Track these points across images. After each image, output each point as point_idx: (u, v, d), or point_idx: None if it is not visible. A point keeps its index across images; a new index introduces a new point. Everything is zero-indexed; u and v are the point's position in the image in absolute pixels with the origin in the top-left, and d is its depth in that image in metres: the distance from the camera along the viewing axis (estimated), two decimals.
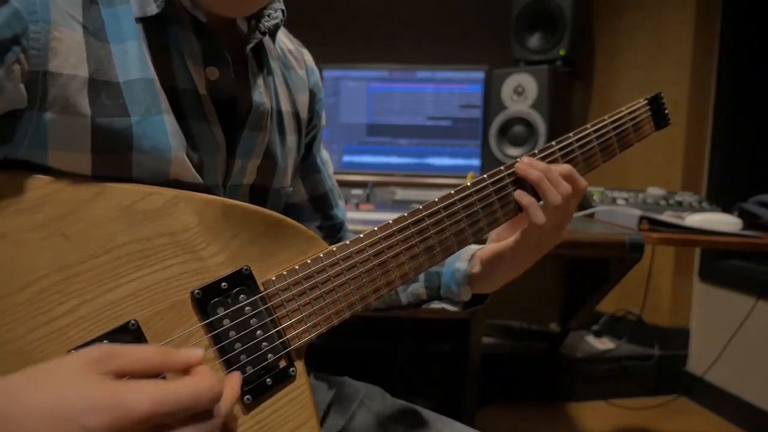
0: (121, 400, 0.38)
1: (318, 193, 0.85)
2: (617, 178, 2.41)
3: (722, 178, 2.29)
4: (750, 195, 1.69)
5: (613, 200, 1.72)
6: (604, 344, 2.45)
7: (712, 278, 2.33)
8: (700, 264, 2.38)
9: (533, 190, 0.70)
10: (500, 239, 0.77)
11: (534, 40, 2.26)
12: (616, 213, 1.61)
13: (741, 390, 2.16)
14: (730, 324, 2.13)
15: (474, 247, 0.79)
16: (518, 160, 0.70)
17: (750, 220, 1.60)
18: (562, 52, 2.20)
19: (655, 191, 1.78)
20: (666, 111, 0.83)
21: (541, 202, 0.70)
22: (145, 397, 0.39)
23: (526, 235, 0.71)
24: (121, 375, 0.41)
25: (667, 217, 1.54)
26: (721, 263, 2.30)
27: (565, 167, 0.71)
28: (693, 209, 1.68)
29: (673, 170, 2.34)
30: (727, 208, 1.69)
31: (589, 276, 1.82)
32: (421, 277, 0.81)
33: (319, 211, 0.86)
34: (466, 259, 0.78)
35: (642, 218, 1.50)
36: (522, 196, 0.70)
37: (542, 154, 0.72)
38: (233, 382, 0.52)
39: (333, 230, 0.88)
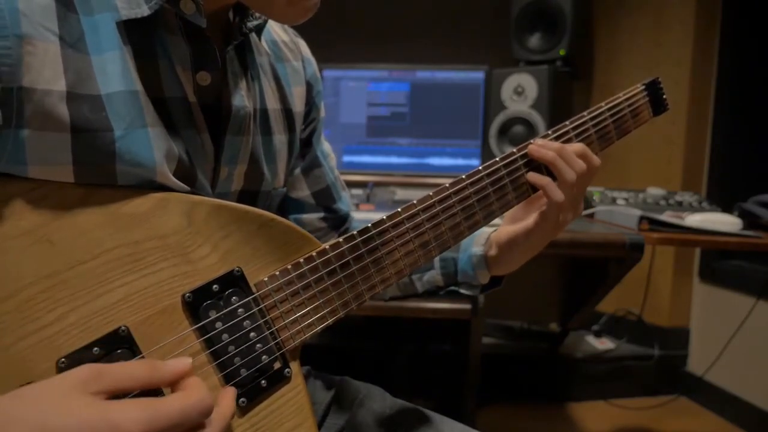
0: (113, 421, 0.38)
1: (320, 187, 0.85)
2: (617, 178, 2.40)
3: (722, 178, 2.29)
4: (750, 195, 1.69)
5: (613, 200, 1.72)
6: (604, 344, 2.44)
7: (712, 278, 2.33)
8: (700, 264, 2.37)
9: (547, 171, 0.71)
10: (515, 221, 0.77)
11: (534, 40, 2.26)
12: (616, 213, 1.61)
13: (741, 390, 2.16)
14: (730, 324, 2.12)
15: (487, 229, 0.79)
16: (531, 141, 0.71)
17: (750, 220, 1.60)
18: (562, 52, 2.19)
19: (655, 191, 1.78)
20: (664, 96, 0.82)
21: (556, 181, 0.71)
22: (136, 417, 0.39)
23: (545, 215, 0.72)
24: (112, 393, 0.41)
25: (667, 217, 1.54)
26: (721, 263, 2.29)
27: (578, 146, 0.72)
28: (693, 209, 1.67)
29: (673, 170, 2.34)
30: (727, 208, 1.69)
31: (589, 276, 1.81)
32: (437, 263, 0.81)
33: (321, 205, 0.85)
34: (481, 243, 0.78)
35: (642, 218, 1.50)
36: (537, 177, 0.71)
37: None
38: (228, 398, 0.51)
39: (338, 222, 0.87)
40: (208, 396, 0.45)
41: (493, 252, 0.78)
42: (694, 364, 2.38)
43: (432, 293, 0.84)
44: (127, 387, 0.43)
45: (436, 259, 0.81)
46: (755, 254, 2.12)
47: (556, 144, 0.71)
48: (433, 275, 0.82)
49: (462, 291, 0.83)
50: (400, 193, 1.95)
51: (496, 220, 0.73)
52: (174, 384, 0.46)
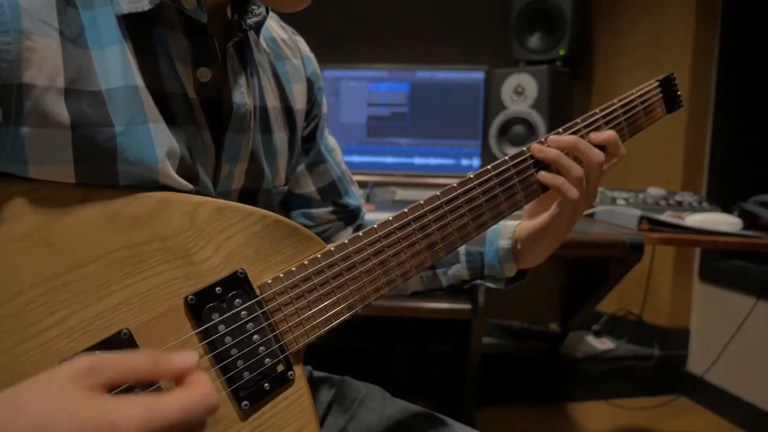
0: (110, 419, 0.37)
1: (325, 182, 0.84)
2: (617, 178, 2.40)
3: (722, 178, 2.28)
4: (750, 195, 1.68)
5: (613, 200, 1.72)
6: (604, 344, 2.44)
7: (712, 278, 2.33)
8: (700, 264, 2.37)
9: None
10: (533, 215, 0.77)
11: (534, 40, 2.26)
12: (616, 213, 1.61)
13: (741, 390, 2.16)
14: (730, 324, 2.12)
15: (512, 223, 0.79)
16: (542, 140, 0.71)
17: (750, 220, 1.59)
18: (562, 52, 2.19)
19: (655, 191, 1.78)
20: (678, 93, 0.81)
21: None
22: (135, 414, 0.37)
23: (561, 209, 0.72)
24: (111, 387, 0.40)
25: (667, 217, 1.53)
26: (721, 263, 2.29)
27: (609, 133, 0.73)
28: (693, 209, 1.67)
29: (673, 170, 2.34)
30: (727, 208, 1.69)
31: (589, 276, 1.82)
32: (463, 258, 0.81)
33: (328, 200, 0.84)
34: (507, 236, 0.78)
35: (642, 218, 1.50)
36: (549, 178, 0.71)
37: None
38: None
39: (349, 216, 0.86)
40: (213, 392, 0.42)
41: (518, 246, 0.78)
42: (694, 364, 2.38)
43: (457, 287, 0.84)
44: (129, 380, 0.41)
45: (462, 253, 0.81)
46: (755, 254, 2.12)
47: (572, 137, 0.70)
48: (459, 269, 0.82)
49: (487, 284, 0.83)
50: (400, 193, 1.95)
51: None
52: (178, 378, 0.44)
